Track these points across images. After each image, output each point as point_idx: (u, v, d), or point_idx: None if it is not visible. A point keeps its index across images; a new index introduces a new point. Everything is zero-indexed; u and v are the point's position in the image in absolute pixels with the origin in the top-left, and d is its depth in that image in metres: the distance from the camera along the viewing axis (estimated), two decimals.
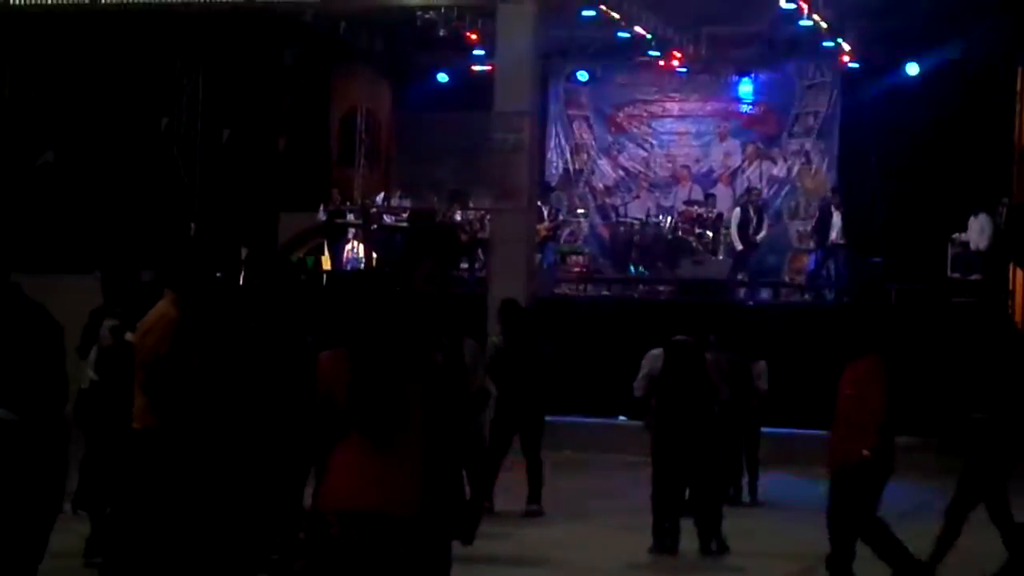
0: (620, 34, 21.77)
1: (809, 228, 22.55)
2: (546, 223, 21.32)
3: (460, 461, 5.52)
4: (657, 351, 11.32)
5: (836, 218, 20.88)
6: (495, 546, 11.11)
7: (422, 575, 5.17)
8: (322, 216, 22.56)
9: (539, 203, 21.73)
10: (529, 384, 12.74)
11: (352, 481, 5.07)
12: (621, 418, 17.08)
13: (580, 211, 23.76)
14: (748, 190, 22.23)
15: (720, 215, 22.11)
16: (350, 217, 23.22)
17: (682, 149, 23.90)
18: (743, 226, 21.37)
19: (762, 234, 21.47)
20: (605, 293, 22.13)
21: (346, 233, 23.05)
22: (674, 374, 10.93)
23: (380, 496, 5.05)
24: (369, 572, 5.03)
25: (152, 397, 6.67)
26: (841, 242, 20.86)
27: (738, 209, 21.72)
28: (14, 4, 19.71)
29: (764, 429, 14.29)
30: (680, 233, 22.01)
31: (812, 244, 22.30)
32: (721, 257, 21.50)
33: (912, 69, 22.01)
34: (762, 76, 23.35)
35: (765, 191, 22.99)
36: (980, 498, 9.71)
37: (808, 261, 22.25)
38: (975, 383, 15.75)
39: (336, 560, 5.03)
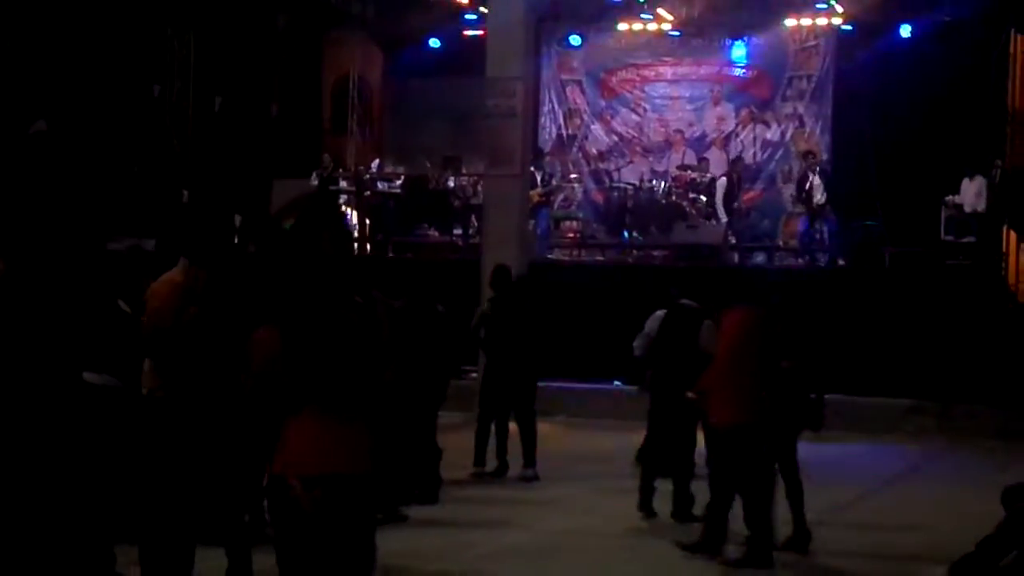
0: None
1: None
2: (539, 188, 21.27)
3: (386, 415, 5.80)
4: (661, 312, 11.34)
5: (816, 180, 20.81)
6: (486, 510, 11.15)
7: (370, 530, 5.41)
8: (314, 182, 22.50)
9: (532, 169, 21.70)
10: (517, 350, 12.71)
11: (310, 446, 5.23)
12: (616, 383, 17.11)
13: (573, 176, 23.71)
14: (734, 160, 22.20)
15: (714, 179, 22.07)
16: (343, 184, 23.18)
17: (675, 113, 23.84)
18: (727, 196, 21.38)
19: (737, 202, 21.45)
20: (599, 258, 22.13)
21: (339, 200, 22.99)
22: (671, 337, 10.92)
23: (338, 457, 5.25)
24: (332, 532, 5.23)
25: (156, 361, 6.69)
26: (823, 203, 20.80)
27: (723, 179, 21.70)
28: None
29: None
30: (674, 198, 21.98)
31: (801, 208, 22.28)
32: (715, 222, 21.47)
33: (905, 31, 21.97)
34: (755, 39, 23.29)
35: (758, 155, 22.96)
36: None
37: (799, 224, 22.22)
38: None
39: (301, 523, 5.20)
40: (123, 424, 5.62)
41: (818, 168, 21.04)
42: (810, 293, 18.79)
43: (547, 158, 22.94)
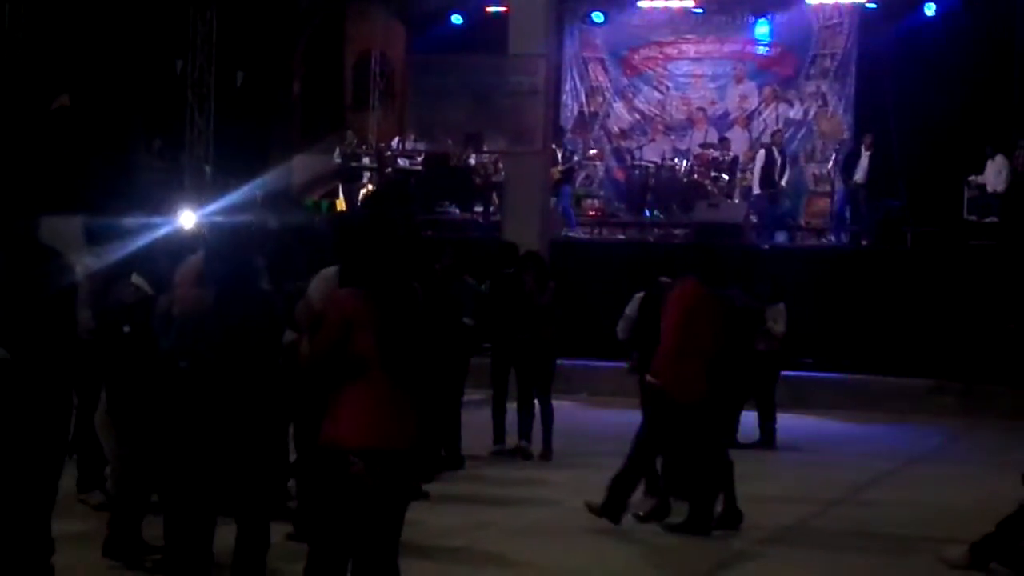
0: None
1: (825, 171, 22.44)
2: (560, 166, 21.22)
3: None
4: (640, 294, 11.26)
5: (864, 160, 20.76)
6: (507, 489, 11.17)
7: (407, 504, 5.63)
8: (337, 159, 22.53)
9: (553, 146, 21.65)
10: (523, 329, 12.61)
11: (371, 419, 5.39)
12: None
13: (593, 152, 23.64)
14: (773, 132, 22.05)
15: (736, 158, 22.00)
16: (365, 160, 23.18)
17: (698, 91, 23.76)
18: (767, 168, 21.25)
19: (786, 177, 21.34)
20: (620, 237, 22.10)
21: (361, 177, 23.03)
22: (651, 318, 10.73)
23: (395, 432, 5.44)
24: (385, 505, 5.42)
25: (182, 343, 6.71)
26: (862, 182, 20.74)
27: (762, 151, 21.57)
28: None
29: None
30: (695, 176, 21.92)
31: (829, 187, 22.19)
32: (736, 200, 21.41)
33: (929, 9, 21.86)
34: (779, 17, 23.18)
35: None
36: None
37: (828, 204, 22.13)
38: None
39: (358, 497, 5.33)
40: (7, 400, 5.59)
41: (873, 149, 20.90)
42: (832, 272, 18.82)
43: (568, 135, 22.91)
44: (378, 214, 6.00)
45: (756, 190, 21.38)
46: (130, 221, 8.43)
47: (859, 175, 20.78)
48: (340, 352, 5.46)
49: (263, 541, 6.64)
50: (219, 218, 7.49)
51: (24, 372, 5.64)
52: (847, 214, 21.31)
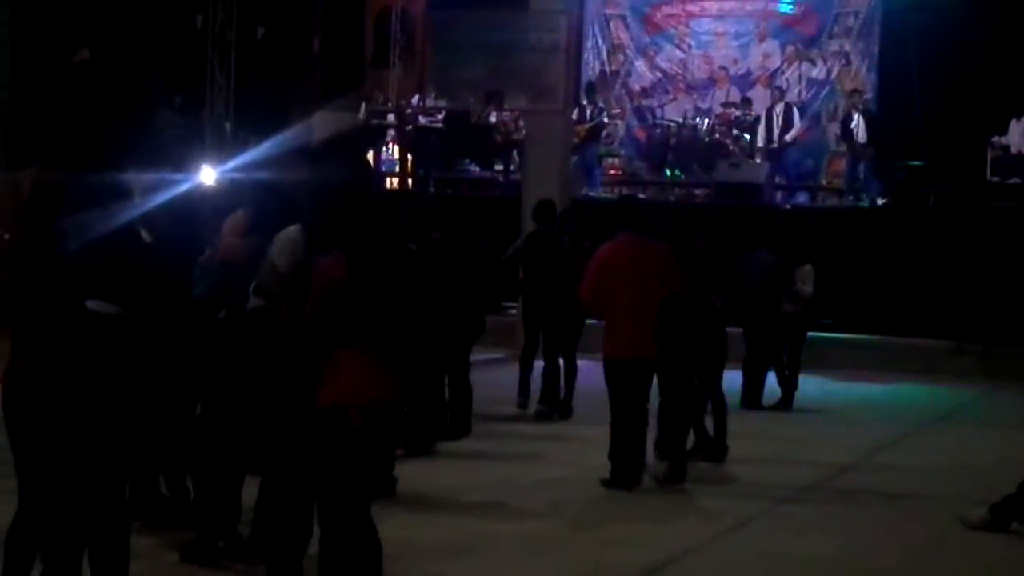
0: None
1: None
2: (586, 124, 21.11)
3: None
4: None
5: (857, 120, 20.63)
6: (526, 445, 11.19)
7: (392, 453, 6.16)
8: (362, 114, 22.46)
9: (584, 103, 21.55)
10: (552, 287, 12.50)
11: (366, 378, 5.60)
12: None
13: (615, 111, 23.50)
14: (773, 88, 21.97)
15: (758, 118, 21.87)
16: (390, 118, 23.13)
17: (720, 50, 23.59)
18: (768, 125, 21.24)
19: (790, 135, 21.19)
20: (640, 196, 21.98)
21: (384, 135, 22.98)
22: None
23: (384, 387, 5.66)
24: (379, 455, 5.81)
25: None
26: (863, 142, 20.60)
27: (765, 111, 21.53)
28: None
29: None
30: (717, 136, 21.81)
31: (839, 146, 22.08)
32: (758, 160, 21.30)
33: None
34: None
35: (804, 93, 22.70)
36: None
37: (843, 164, 22.02)
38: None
39: (358, 450, 5.58)
40: (126, 353, 5.60)
41: (862, 107, 20.83)
42: (854, 233, 18.75)
43: (598, 97, 22.69)
44: (356, 176, 5.89)
45: (759, 145, 21.31)
46: (147, 178, 8.42)
47: (859, 135, 20.61)
48: (331, 317, 5.55)
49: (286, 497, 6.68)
50: (262, 174, 7.50)
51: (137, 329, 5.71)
52: (860, 174, 21.16)
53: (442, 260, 10.92)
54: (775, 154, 21.22)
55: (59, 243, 5.70)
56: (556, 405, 12.70)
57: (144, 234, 7.87)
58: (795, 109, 21.35)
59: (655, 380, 9.89)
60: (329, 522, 5.67)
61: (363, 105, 22.54)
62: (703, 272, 10.19)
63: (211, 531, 7.02)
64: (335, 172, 6.51)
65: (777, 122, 21.16)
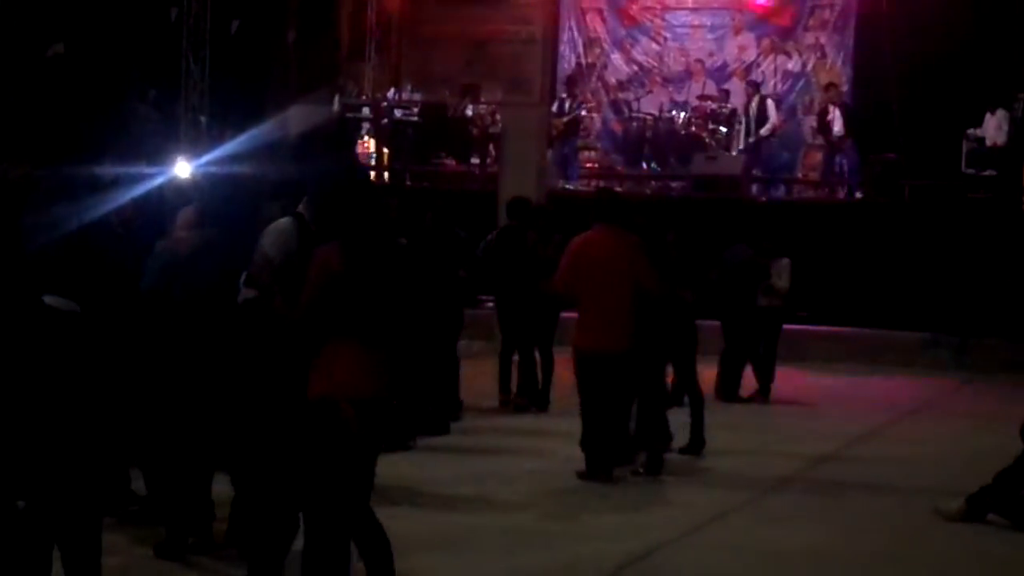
0: None
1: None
2: (564, 118, 21.07)
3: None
4: None
5: (836, 113, 20.69)
6: (504, 439, 11.18)
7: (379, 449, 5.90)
8: (336, 107, 22.37)
9: (563, 96, 21.52)
10: (520, 280, 12.49)
11: (356, 371, 5.57)
12: None
13: (591, 105, 23.47)
14: (748, 82, 22.00)
15: (734, 111, 21.89)
16: (365, 111, 23.06)
17: (696, 43, 23.59)
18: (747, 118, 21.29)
19: (764, 128, 21.20)
20: (617, 189, 21.93)
21: (360, 128, 22.91)
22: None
23: (376, 381, 5.65)
24: (370, 450, 5.72)
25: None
26: (841, 134, 20.65)
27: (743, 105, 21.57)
28: None
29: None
30: (693, 128, 21.80)
31: (821, 140, 22.12)
32: (735, 153, 21.32)
33: None
34: None
35: (779, 86, 22.74)
36: None
37: (823, 156, 22.05)
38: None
39: (348, 444, 5.55)
40: (84, 350, 5.56)
41: (838, 100, 20.87)
42: (829, 226, 18.79)
43: (578, 90, 22.67)
44: (351, 166, 5.92)
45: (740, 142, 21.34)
46: (115, 173, 8.40)
47: (837, 129, 20.66)
48: (327, 307, 5.53)
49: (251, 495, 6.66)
50: (215, 169, 7.52)
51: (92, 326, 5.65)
52: (843, 167, 21.20)
53: (431, 253, 10.98)
54: (752, 148, 21.24)
55: (23, 237, 5.65)
56: (534, 398, 12.70)
57: (116, 227, 7.89)
58: (769, 102, 21.34)
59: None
60: (315, 518, 5.64)
61: (336, 97, 22.44)
62: (673, 266, 10.23)
63: (182, 527, 6.99)
64: (329, 163, 6.50)
65: (753, 116, 21.17)
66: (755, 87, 21.58)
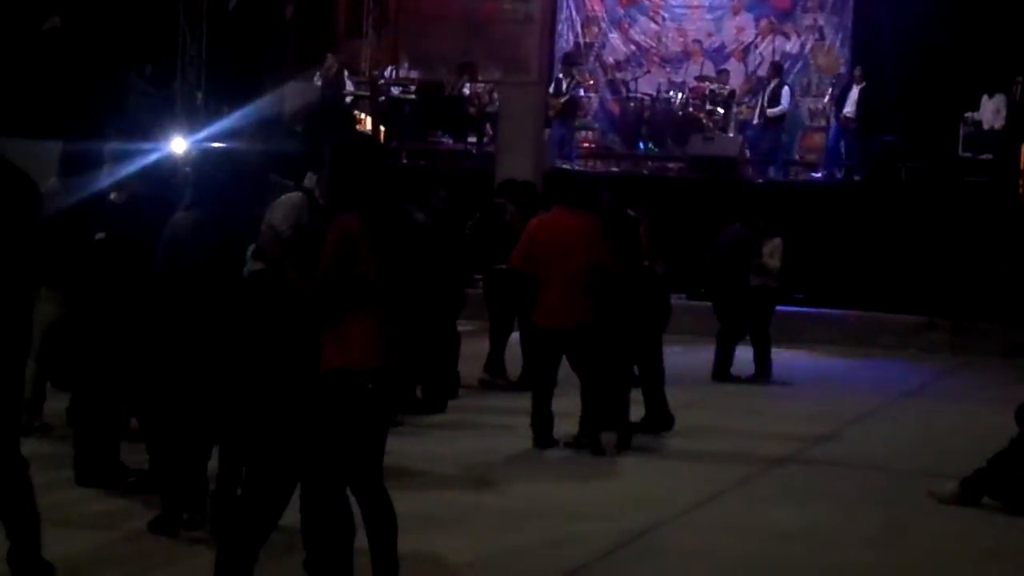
0: None
1: (821, 105, 22.31)
2: (561, 97, 21.00)
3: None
4: None
5: (854, 92, 20.68)
6: (498, 418, 11.17)
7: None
8: (317, 82, 22.27)
9: (560, 76, 21.46)
10: (503, 259, 12.44)
11: (375, 342, 5.56)
12: None
13: (588, 83, 23.39)
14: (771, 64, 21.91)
15: (732, 91, 21.85)
16: (350, 86, 22.97)
17: (694, 23, 23.54)
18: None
19: (773, 110, 21.11)
20: (614, 169, 22.00)
21: (345, 102, 22.81)
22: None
23: (393, 352, 5.63)
24: (384, 421, 5.75)
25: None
26: (851, 115, 20.64)
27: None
28: None
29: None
30: (691, 109, 21.78)
31: (824, 121, 22.08)
32: (732, 134, 21.29)
33: None
34: None
35: None
36: None
37: (823, 139, 22.01)
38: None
39: (366, 415, 5.57)
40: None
41: (864, 83, 20.76)
42: (825, 207, 18.77)
43: (576, 70, 22.58)
44: (369, 138, 5.94)
45: (755, 119, 21.28)
46: (112, 148, 8.38)
47: (848, 109, 20.67)
48: (346, 276, 5.51)
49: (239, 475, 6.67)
50: (209, 145, 7.49)
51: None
52: (842, 149, 21.20)
53: (441, 231, 11.04)
54: (757, 127, 21.16)
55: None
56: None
57: (113, 195, 7.89)
58: (785, 89, 21.20)
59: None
60: (323, 490, 5.64)
61: (317, 74, 22.31)
62: (636, 240, 10.26)
63: (178, 503, 6.98)
64: (343, 136, 6.48)
65: (766, 97, 21.03)
66: (777, 70, 21.40)
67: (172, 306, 6.89)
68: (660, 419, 10.54)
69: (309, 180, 6.29)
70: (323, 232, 5.64)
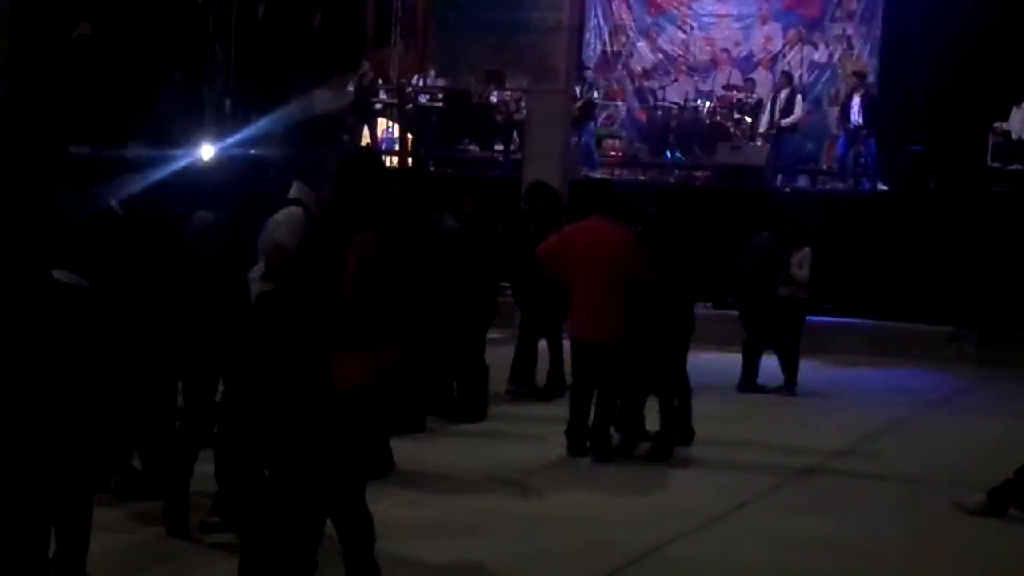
0: None
1: None
2: (577, 102, 20.98)
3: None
4: None
5: (855, 101, 20.62)
6: (528, 426, 11.17)
7: None
8: (350, 88, 22.34)
9: (585, 78, 21.44)
10: (527, 268, 12.44)
11: (380, 348, 5.66)
12: None
13: (614, 89, 23.37)
14: (782, 73, 21.87)
15: (760, 101, 21.83)
16: (383, 96, 23.04)
17: (722, 32, 23.53)
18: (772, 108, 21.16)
19: (787, 120, 21.05)
20: (640, 178, 21.99)
21: (378, 113, 22.88)
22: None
23: (390, 362, 5.77)
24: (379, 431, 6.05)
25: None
26: (860, 123, 20.56)
27: (771, 94, 21.42)
28: None
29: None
30: (718, 118, 21.76)
31: (838, 130, 22.05)
32: (759, 143, 21.26)
33: None
34: None
35: (805, 76, 22.65)
36: None
37: (838, 146, 21.97)
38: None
39: (377, 424, 5.79)
40: (92, 325, 5.53)
41: (863, 90, 20.78)
42: (852, 217, 18.71)
43: (589, 73, 22.65)
44: (374, 156, 5.95)
45: (761, 128, 21.24)
46: (139, 154, 8.43)
47: (855, 117, 20.60)
48: (373, 294, 5.56)
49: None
50: (229, 152, 7.54)
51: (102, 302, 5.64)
52: (860, 160, 21.10)
53: (471, 239, 11.05)
54: (774, 138, 21.16)
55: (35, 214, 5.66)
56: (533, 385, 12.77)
57: (115, 206, 7.92)
58: (798, 97, 21.21)
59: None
60: (338, 503, 5.67)
61: (351, 82, 22.38)
62: (679, 258, 10.21)
63: (183, 503, 7.00)
64: (339, 147, 6.51)
65: (779, 106, 21.07)
66: (789, 79, 21.42)
67: (187, 306, 6.90)
68: (683, 432, 10.51)
69: (297, 191, 6.17)
70: (324, 247, 5.62)
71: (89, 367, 5.57)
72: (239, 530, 6.66)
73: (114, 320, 5.71)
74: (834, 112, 22.40)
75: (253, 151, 7.42)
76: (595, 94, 22.15)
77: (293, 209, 5.99)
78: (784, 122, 20.94)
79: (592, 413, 9.93)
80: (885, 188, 20.25)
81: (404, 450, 9.00)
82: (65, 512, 5.65)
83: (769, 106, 21.25)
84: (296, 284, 5.73)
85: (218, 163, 7.41)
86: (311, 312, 5.64)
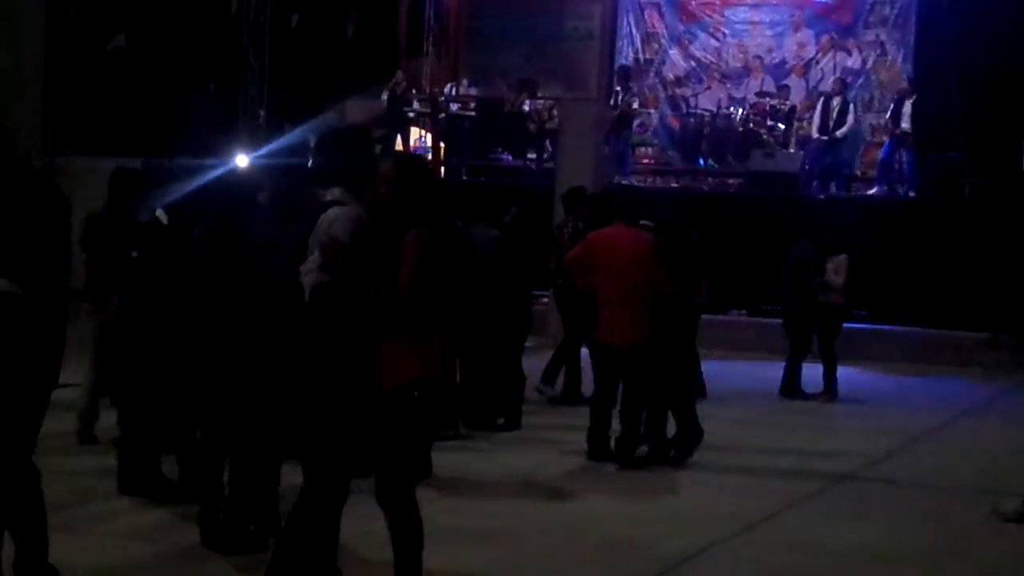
0: None
1: (882, 121, 22.16)
2: (615, 111, 20.97)
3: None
4: None
5: (906, 107, 20.53)
6: (562, 432, 11.17)
7: None
8: (384, 98, 22.39)
9: (617, 88, 21.46)
10: (562, 274, 12.43)
11: (425, 355, 5.66)
12: None
13: (648, 97, 23.34)
14: (833, 81, 21.68)
15: (793, 107, 21.77)
16: (416, 105, 23.10)
17: (755, 39, 23.49)
18: (824, 117, 20.97)
19: (843, 129, 20.94)
20: (674, 185, 21.98)
21: (412, 122, 22.93)
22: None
23: (440, 362, 5.82)
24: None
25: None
26: (907, 129, 20.46)
27: (821, 99, 21.28)
28: None
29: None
30: (751, 125, 21.72)
31: (885, 137, 21.93)
32: (792, 150, 21.21)
33: None
34: None
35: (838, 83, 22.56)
36: None
37: (880, 152, 21.86)
38: None
39: (416, 419, 5.67)
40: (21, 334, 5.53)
41: (915, 96, 20.63)
42: (888, 224, 18.65)
43: (630, 83, 22.60)
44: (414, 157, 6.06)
45: (815, 134, 21.12)
46: (179, 165, 8.51)
47: (904, 122, 20.51)
48: (433, 286, 5.62)
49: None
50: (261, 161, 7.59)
51: (30, 307, 5.59)
52: (896, 163, 21.02)
53: (514, 248, 11.14)
54: (819, 145, 21.03)
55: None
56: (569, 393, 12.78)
57: (160, 215, 7.97)
58: (851, 106, 21.08)
59: None
60: (391, 502, 5.70)
61: (386, 92, 22.44)
62: (692, 261, 10.22)
63: (244, 516, 7.01)
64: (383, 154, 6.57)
65: (832, 115, 20.91)
66: (842, 85, 21.28)
67: (218, 316, 6.93)
68: (690, 432, 10.46)
69: (338, 195, 6.34)
70: (379, 243, 5.68)
71: (17, 376, 5.55)
72: (273, 534, 6.68)
73: (46, 328, 5.66)
74: (869, 118, 22.33)
75: (286, 160, 7.42)
76: (635, 103, 22.11)
77: (348, 207, 6.16)
78: (839, 133, 20.81)
79: (615, 419, 9.92)
80: (913, 195, 20.13)
81: (436, 456, 8.99)
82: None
83: (820, 112, 21.05)
84: (353, 274, 5.79)
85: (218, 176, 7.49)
86: (368, 302, 5.70)
